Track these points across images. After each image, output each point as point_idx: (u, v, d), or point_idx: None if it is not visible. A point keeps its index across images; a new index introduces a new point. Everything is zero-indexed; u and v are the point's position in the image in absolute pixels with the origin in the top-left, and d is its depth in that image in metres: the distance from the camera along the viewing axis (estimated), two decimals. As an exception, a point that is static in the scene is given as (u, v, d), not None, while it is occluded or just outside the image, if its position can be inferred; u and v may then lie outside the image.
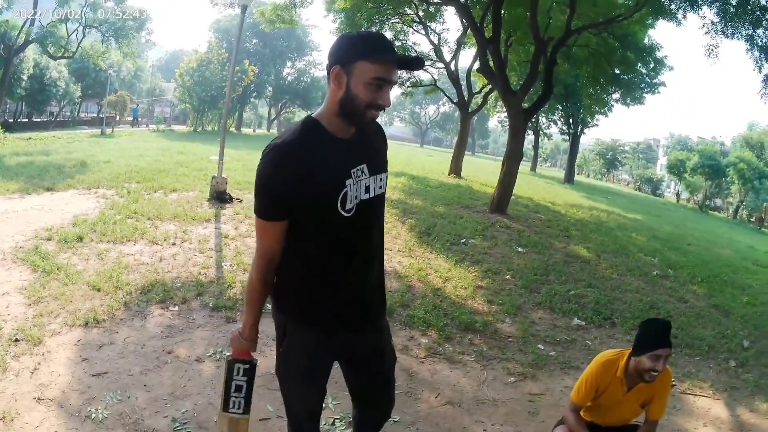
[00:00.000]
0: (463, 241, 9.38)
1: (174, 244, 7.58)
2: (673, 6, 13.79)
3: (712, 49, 13.19)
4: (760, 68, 12.87)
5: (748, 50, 12.89)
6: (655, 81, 27.63)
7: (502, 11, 14.10)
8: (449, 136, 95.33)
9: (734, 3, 12.34)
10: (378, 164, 2.41)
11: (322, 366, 2.56)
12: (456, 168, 23.54)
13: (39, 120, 39.62)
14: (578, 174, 51.16)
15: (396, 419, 3.78)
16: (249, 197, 11.26)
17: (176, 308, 5.39)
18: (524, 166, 23.67)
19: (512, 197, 13.34)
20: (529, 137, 40.01)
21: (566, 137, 44.55)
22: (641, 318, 6.86)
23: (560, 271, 8.59)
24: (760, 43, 12.67)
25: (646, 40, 21.04)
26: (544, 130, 45.42)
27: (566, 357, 5.59)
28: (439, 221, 10.80)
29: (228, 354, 2.56)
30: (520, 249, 9.68)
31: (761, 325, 8.24)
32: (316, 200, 2.20)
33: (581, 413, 3.75)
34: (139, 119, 47.32)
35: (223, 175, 11.12)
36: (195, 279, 6.22)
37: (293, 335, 2.40)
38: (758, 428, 5.02)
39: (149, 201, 10.00)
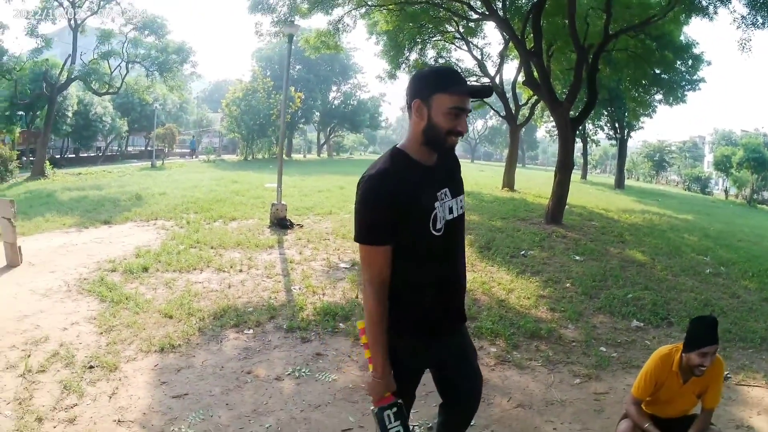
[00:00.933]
0: (522, 253, 9.50)
1: (241, 270, 7.77)
2: (704, 1, 13.76)
3: (745, 43, 13.23)
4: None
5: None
6: (694, 78, 27.25)
7: (542, 21, 14.13)
8: (498, 150, 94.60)
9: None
10: (457, 187, 2.68)
11: (417, 374, 2.75)
12: (509, 181, 23.40)
13: (86, 155, 41.04)
14: (628, 178, 50.31)
15: (472, 424, 3.94)
16: (309, 222, 11.57)
17: (251, 331, 5.58)
18: (575, 175, 23.55)
19: (566, 207, 13.42)
20: (578, 145, 39.50)
21: (614, 142, 43.80)
22: (697, 315, 7.19)
23: (617, 276, 8.71)
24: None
25: (682, 38, 20.88)
26: (592, 137, 44.91)
27: (627, 357, 5.76)
28: (498, 235, 10.92)
29: (372, 407, 2.59)
30: (577, 257, 9.80)
31: (814, 318, 8.40)
32: (413, 222, 2.45)
33: (642, 407, 4.16)
34: (197, 149, 48.22)
35: (282, 202, 11.33)
36: (266, 303, 6.42)
37: (392, 348, 2.54)
38: None
39: (210, 230, 10.23)
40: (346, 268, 8.22)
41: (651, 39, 17.74)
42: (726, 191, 54.54)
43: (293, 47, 14.24)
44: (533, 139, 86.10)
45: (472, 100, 2.64)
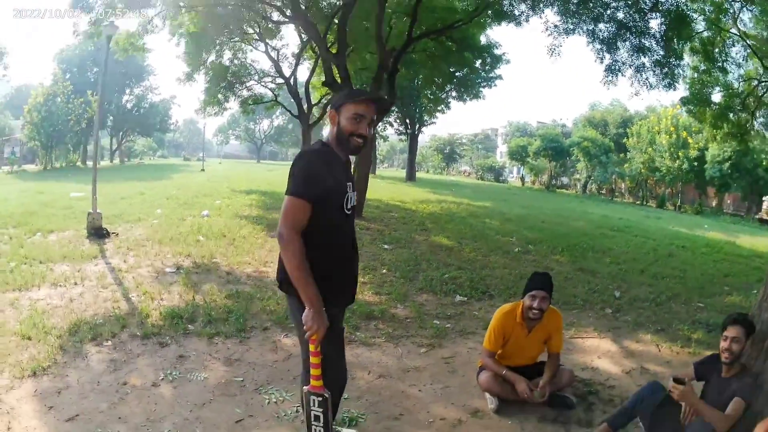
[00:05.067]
0: None
1: (76, 283, 7.49)
2: (515, 10, 14.70)
3: (555, 48, 14.05)
4: (601, 59, 13.96)
5: (589, 43, 13.92)
6: (491, 75, 28.69)
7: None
8: (284, 149, 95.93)
9: (575, 1, 13.26)
10: (353, 183, 3.32)
11: (337, 321, 3.23)
12: None
13: None
14: (418, 171, 53.02)
15: (345, 396, 4.23)
16: (122, 230, 11.24)
17: (109, 343, 5.46)
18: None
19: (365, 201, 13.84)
20: (367, 141, 40.80)
21: (403, 137, 46.01)
22: (515, 288, 7.95)
23: (429, 260, 9.54)
24: (601, 37, 13.74)
25: (483, 39, 22.08)
26: (381, 134, 47.00)
27: (461, 326, 6.51)
28: None
29: (305, 387, 3.10)
30: (386, 246, 10.46)
31: (627, 279, 9.67)
32: (334, 197, 3.07)
33: (496, 358, 4.67)
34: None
35: (98, 211, 10.95)
36: (112, 313, 6.27)
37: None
38: (646, 353, 6.27)
39: (33, 245, 9.70)
40: (172, 272, 8.25)
41: (452, 41, 18.54)
42: (522, 179, 59.13)
43: (90, 47, 13.66)
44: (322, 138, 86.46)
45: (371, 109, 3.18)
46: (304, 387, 3.11)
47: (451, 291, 7.98)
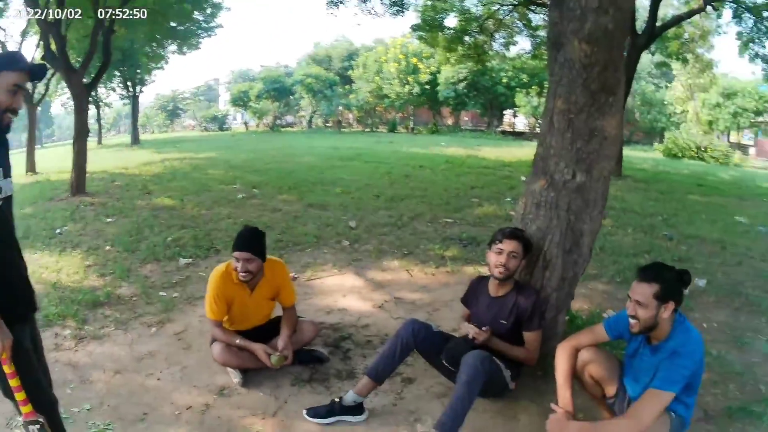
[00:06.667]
0: (57, 231, 8.99)
1: None
2: None
3: None
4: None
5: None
6: (211, 25, 27.61)
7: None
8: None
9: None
10: (7, 169, 2.57)
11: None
12: (31, 165, 21.10)
13: None
14: (143, 133, 50.28)
15: (87, 407, 3.80)
16: None
17: None
18: (92, 142, 22.88)
19: (88, 174, 13.01)
20: (92, 112, 38.38)
21: (127, 101, 43.36)
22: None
23: (152, 225, 8.86)
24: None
25: None
26: (104, 101, 44.24)
27: (188, 293, 6.05)
28: (31, 221, 10.04)
29: (19, 418, 2.59)
30: (108, 219, 9.62)
31: (363, 207, 9.70)
32: None
33: (226, 327, 4.21)
34: None
35: None
36: None
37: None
38: (397, 281, 6.34)
39: None
40: None
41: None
42: (246, 124, 58.25)
43: None
44: (48, 116, 79.55)
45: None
46: (18, 418, 2.66)
47: (175, 254, 7.40)
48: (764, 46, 16.63)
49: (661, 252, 8.05)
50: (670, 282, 2.95)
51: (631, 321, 3.01)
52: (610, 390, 3.32)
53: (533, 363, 3.91)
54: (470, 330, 3.70)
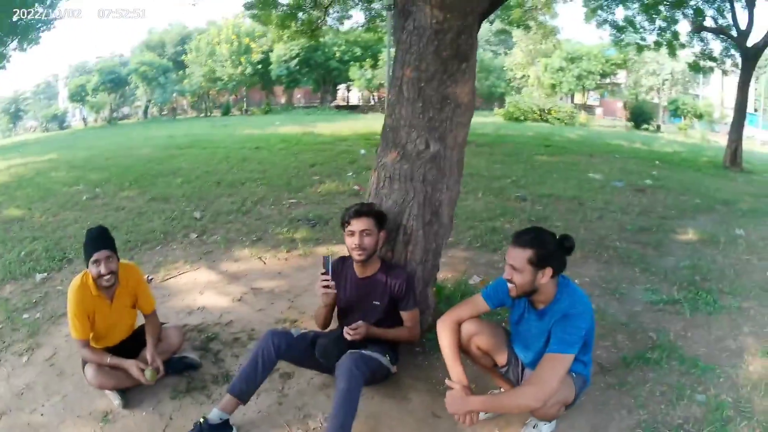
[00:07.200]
0: None
1: None
2: None
3: None
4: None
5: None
6: (51, 17, 24.58)
7: None
8: None
9: None
10: None
11: None
12: None
13: None
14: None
15: None
16: None
17: None
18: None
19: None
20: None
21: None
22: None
23: (4, 240, 7.91)
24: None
25: None
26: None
27: (50, 311, 5.46)
28: None
29: None
30: None
31: (205, 196, 9.41)
32: None
33: (93, 346, 3.86)
34: None
35: None
36: None
37: None
38: (251, 271, 6.18)
39: None
40: None
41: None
42: (84, 120, 54.60)
43: None
44: None
45: None
46: None
47: (30, 270, 6.65)
48: (613, 13, 17.43)
49: (516, 213, 8.39)
50: (546, 247, 2.97)
51: (509, 285, 3.04)
52: (501, 359, 3.42)
53: (416, 340, 3.98)
54: (345, 333, 3.59)
